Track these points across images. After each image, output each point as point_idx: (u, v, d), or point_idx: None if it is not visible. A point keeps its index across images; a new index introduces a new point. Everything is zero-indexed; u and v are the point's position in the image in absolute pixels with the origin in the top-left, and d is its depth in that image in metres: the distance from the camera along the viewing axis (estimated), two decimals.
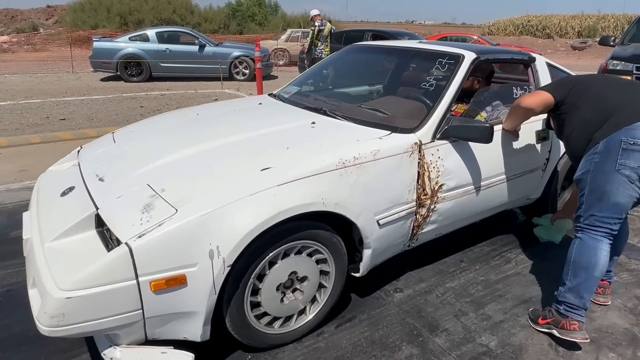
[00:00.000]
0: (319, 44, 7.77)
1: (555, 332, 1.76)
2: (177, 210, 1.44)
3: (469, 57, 2.23)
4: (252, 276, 1.54)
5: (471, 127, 1.92)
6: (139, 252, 1.33)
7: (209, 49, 9.77)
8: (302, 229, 1.60)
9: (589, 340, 1.72)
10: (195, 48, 9.68)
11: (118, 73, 9.32)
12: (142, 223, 1.40)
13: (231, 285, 1.50)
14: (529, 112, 2.03)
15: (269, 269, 1.60)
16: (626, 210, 1.69)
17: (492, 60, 2.35)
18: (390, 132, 1.94)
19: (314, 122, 2.07)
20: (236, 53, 9.97)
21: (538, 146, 2.43)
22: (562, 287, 1.78)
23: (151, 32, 9.60)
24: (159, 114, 2.60)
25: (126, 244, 1.34)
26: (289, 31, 14.80)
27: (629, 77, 5.42)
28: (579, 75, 2.06)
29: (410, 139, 1.91)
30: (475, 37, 13.72)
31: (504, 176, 2.28)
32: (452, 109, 2.60)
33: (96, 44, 9.22)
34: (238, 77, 10.10)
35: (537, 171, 2.49)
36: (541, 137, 2.42)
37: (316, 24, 7.63)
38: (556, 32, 24.91)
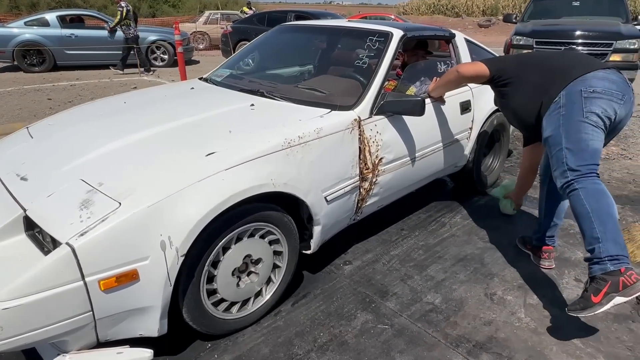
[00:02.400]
0: (130, 24, 8.27)
1: (619, 299, 1.52)
2: (120, 203, 1.36)
3: (397, 34, 2.32)
4: (206, 264, 1.51)
5: (405, 101, 2.02)
6: (83, 251, 1.25)
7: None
8: (253, 211, 1.60)
9: None
10: (105, 33, 8.91)
11: (15, 63, 8.32)
12: (82, 220, 1.31)
13: (186, 275, 1.46)
14: (462, 79, 2.18)
15: (223, 255, 1.58)
16: (600, 156, 1.71)
17: (417, 37, 2.47)
18: (330, 110, 1.98)
19: (252, 104, 2.04)
20: (152, 37, 9.36)
21: (462, 117, 2.62)
22: (596, 244, 1.59)
23: (51, 16, 8.65)
24: (79, 105, 2.39)
25: (67, 244, 1.24)
26: (207, 13, 14.16)
27: (530, 51, 5.99)
28: (514, 55, 2.18)
29: (350, 115, 1.96)
30: (392, 17, 14.19)
31: (436, 146, 2.43)
32: (384, 85, 2.73)
33: None
34: (157, 63, 9.53)
35: (463, 140, 2.69)
36: (464, 108, 2.61)
37: (122, 4, 8.08)
38: (464, 11, 26.53)
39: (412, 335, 1.73)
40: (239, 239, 1.62)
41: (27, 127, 2.13)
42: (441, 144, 2.47)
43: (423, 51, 2.75)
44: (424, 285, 2.04)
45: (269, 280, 1.81)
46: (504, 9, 25.67)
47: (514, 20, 7.01)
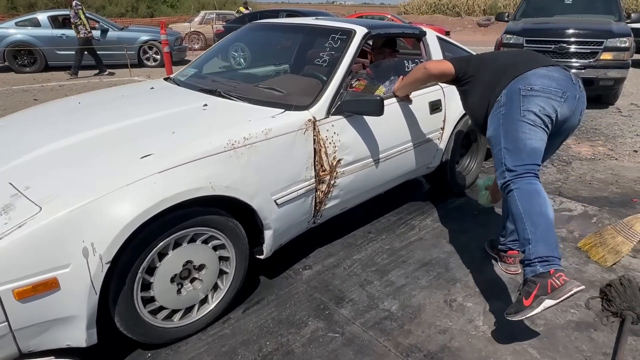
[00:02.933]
0: (85, 24, 7.88)
1: (548, 301, 1.48)
2: (41, 208, 1.30)
3: (360, 32, 2.25)
4: (139, 270, 1.45)
5: (362, 100, 1.95)
6: None
7: (112, 33, 9.02)
8: (192, 215, 1.54)
9: (584, 287, 1.48)
10: (97, 33, 8.87)
11: (6, 63, 8.30)
12: None
13: (116, 282, 1.40)
14: (429, 77, 2.12)
15: (160, 261, 1.51)
16: (542, 155, 1.67)
17: (383, 34, 2.40)
18: (284, 110, 1.91)
19: (205, 105, 1.98)
20: (144, 37, 9.33)
21: (432, 116, 2.54)
22: (527, 246, 1.57)
23: (42, 16, 8.62)
24: (37, 105, 2.34)
25: None
26: (202, 13, 14.13)
27: (495, 51, 5.91)
28: (477, 54, 2.15)
29: (303, 115, 1.89)
30: (389, 16, 14.09)
31: (402, 147, 2.36)
32: (353, 85, 2.66)
33: None
34: (149, 64, 9.49)
35: (434, 140, 2.62)
36: (434, 108, 2.53)
37: (78, 4, 7.70)
38: (464, 11, 26.38)
39: (362, 344, 1.66)
40: (177, 244, 1.56)
41: None
42: (408, 144, 2.40)
43: (390, 50, 2.68)
44: (383, 292, 1.97)
45: (216, 287, 1.75)
46: (504, 8, 25.55)
47: (506, 19, 6.92)
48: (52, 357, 1.36)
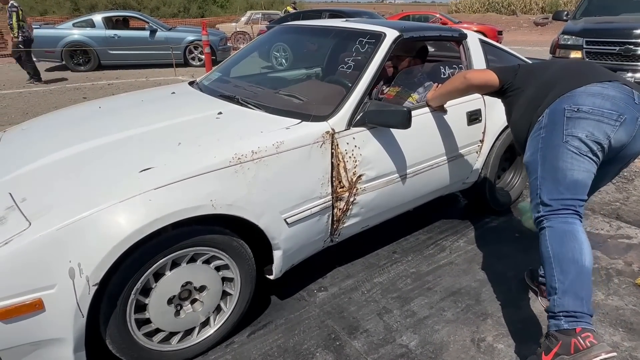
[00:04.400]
0: (24, 25, 7.11)
1: None
2: (30, 223, 1.24)
3: (391, 35, 2.06)
4: (132, 292, 1.36)
5: (388, 111, 1.77)
6: None
7: (160, 33, 9.30)
8: (191, 235, 1.43)
9: (615, 354, 1.27)
10: (146, 33, 9.20)
11: (63, 62, 8.78)
12: None
13: (106, 304, 1.32)
14: (469, 88, 1.91)
15: (156, 282, 1.42)
16: (587, 189, 1.44)
17: (417, 38, 2.20)
18: (300, 120, 1.77)
19: (220, 113, 1.88)
20: (190, 37, 9.55)
21: (470, 128, 2.31)
22: (553, 296, 1.40)
23: (97, 18, 9.04)
24: (63, 108, 2.35)
25: None
26: (248, 13, 14.30)
27: (578, 52, 5.40)
28: (527, 63, 1.98)
29: (321, 127, 1.74)
30: (437, 15, 13.59)
31: (434, 161, 2.15)
32: (385, 91, 2.48)
33: (36, 32, 8.57)
34: (194, 63, 9.71)
35: (471, 154, 2.38)
36: (473, 118, 2.30)
37: (14, 4, 6.88)
38: (520, 9, 25.05)
39: None
40: (175, 264, 1.46)
41: (4, 132, 2.11)
42: (441, 159, 2.19)
43: (424, 54, 2.46)
44: (402, 323, 1.78)
45: (218, 309, 1.64)
46: (565, 6, 24.03)
47: (564, 18, 6.40)
48: None
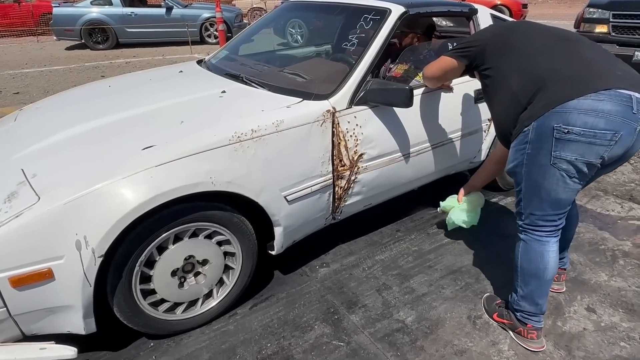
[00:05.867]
0: None
1: (510, 333, 1.63)
2: (39, 198, 1.31)
3: (396, 11, 2.03)
4: (137, 264, 1.43)
5: (389, 90, 1.76)
6: None
7: (176, 10, 9.29)
8: (192, 211, 1.48)
9: (544, 347, 1.57)
10: (162, 10, 9.20)
11: (82, 41, 8.89)
12: None
13: (112, 274, 1.40)
14: (435, 81, 1.88)
15: (160, 255, 1.49)
16: (570, 202, 1.43)
17: (424, 14, 2.15)
18: (301, 99, 1.78)
19: (224, 91, 1.90)
20: (206, 14, 9.50)
21: (477, 106, 2.28)
22: (515, 294, 1.60)
23: None
24: (75, 87, 2.41)
25: None
26: None
27: (604, 26, 5.17)
28: (500, 26, 1.63)
29: (321, 106, 1.75)
30: None
31: (438, 141, 2.14)
32: (392, 69, 2.45)
33: (56, 10, 8.73)
34: (210, 41, 9.69)
35: (479, 133, 2.35)
36: (480, 97, 2.26)
37: None
38: None
39: (367, 357, 1.55)
40: (178, 238, 1.52)
41: (20, 109, 2.19)
42: (446, 137, 2.17)
43: (432, 31, 2.41)
44: (400, 299, 1.82)
45: (222, 282, 1.71)
46: None
47: None
48: (53, 342, 1.40)
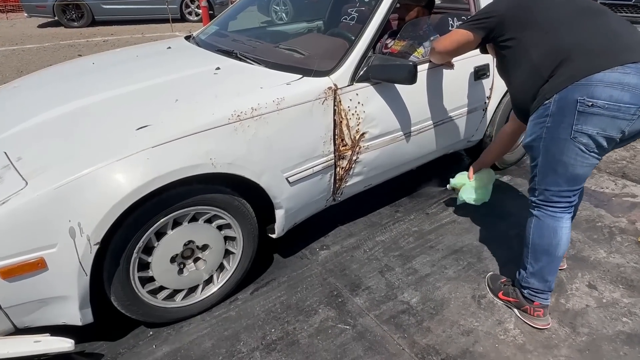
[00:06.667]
0: None
1: (515, 311, 1.62)
2: (27, 183, 1.21)
3: None
4: (135, 251, 1.36)
5: (392, 66, 1.70)
6: None
7: None
8: (191, 194, 1.41)
9: (550, 325, 1.56)
10: None
11: (56, 18, 8.46)
12: None
13: (109, 262, 1.32)
14: (447, 56, 1.80)
15: (158, 241, 1.42)
16: (585, 179, 1.41)
17: None
18: (301, 76, 1.70)
19: (218, 68, 1.81)
20: None
21: (477, 84, 2.23)
22: (523, 270, 1.58)
23: None
24: (56, 65, 2.27)
25: None
26: None
27: None
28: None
29: (323, 83, 1.68)
30: None
31: (439, 119, 2.09)
32: (389, 45, 2.38)
33: None
34: (191, 18, 9.35)
35: (477, 111, 2.31)
36: (480, 74, 2.21)
37: None
38: None
39: (374, 339, 1.52)
40: (177, 223, 1.45)
41: None
42: (447, 116, 2.13)
43: (431, 5, 2.33)
44: (404, 281, 1.80)
45: (222, 267, 1.65)
46: None
47: None
48: (48, 334, 1.33)
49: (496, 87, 2.33)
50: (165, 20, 8.74)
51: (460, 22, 1.65)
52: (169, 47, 2.23)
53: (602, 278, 1.80)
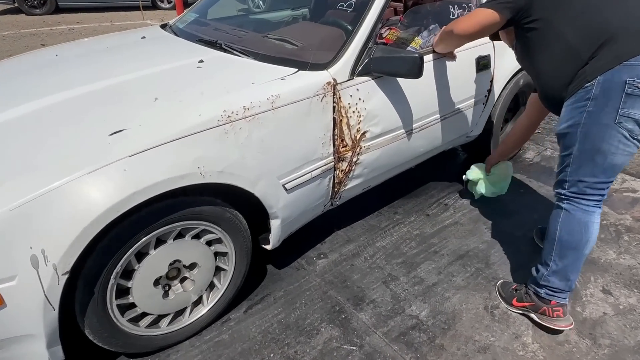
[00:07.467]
0: None
1: (533, 316, 1.51)
2: None
3: None
4: (112, 276, 1.17)
5: (396, 58, 1.54)
6: None
7: None
8: (177, 208, 1.22)
9: (573, 325, 1.46)
10: None
11: (16, 5, 7.91)
12: None
13: (82, 292, 1.13)
14: (465, 40, 1.65)
15: (139, 263, 1.23)
16: (621, 169, 1.32)
17: None
18: (297, 69, 1.53)
19: (201, 61, 1.61)
20: None
21: (478, 76, 2.10)
22: (544, 268, 1.47)
23: None
24: (13, 57, 2.01)
25: None
26: None
27: None
28: None
29: (321, 77, 1.50)
30: None
31: (441, 114, 1.95)
32: (383, 35, 2.21)
33: None
34: (163, 5, 8.94)
35: (478, 105, 2.19)
36: (482, 65, 2.08)
37: None
38: None
39: None
40: (161, 241, 1.26)
41: None
42: (449, 110, 1.99)
43: None
44: (410, 291, 1.67)
45: (212, 285, 1.47)
46: None
47: None
48: None
49: (497, 79, 2.21)
50: (136, 8, 8.31)
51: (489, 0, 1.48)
52: (144, 37, 2.00)
53: (616, 282, 1.72)
